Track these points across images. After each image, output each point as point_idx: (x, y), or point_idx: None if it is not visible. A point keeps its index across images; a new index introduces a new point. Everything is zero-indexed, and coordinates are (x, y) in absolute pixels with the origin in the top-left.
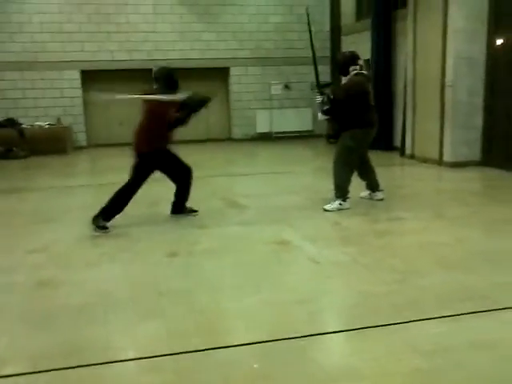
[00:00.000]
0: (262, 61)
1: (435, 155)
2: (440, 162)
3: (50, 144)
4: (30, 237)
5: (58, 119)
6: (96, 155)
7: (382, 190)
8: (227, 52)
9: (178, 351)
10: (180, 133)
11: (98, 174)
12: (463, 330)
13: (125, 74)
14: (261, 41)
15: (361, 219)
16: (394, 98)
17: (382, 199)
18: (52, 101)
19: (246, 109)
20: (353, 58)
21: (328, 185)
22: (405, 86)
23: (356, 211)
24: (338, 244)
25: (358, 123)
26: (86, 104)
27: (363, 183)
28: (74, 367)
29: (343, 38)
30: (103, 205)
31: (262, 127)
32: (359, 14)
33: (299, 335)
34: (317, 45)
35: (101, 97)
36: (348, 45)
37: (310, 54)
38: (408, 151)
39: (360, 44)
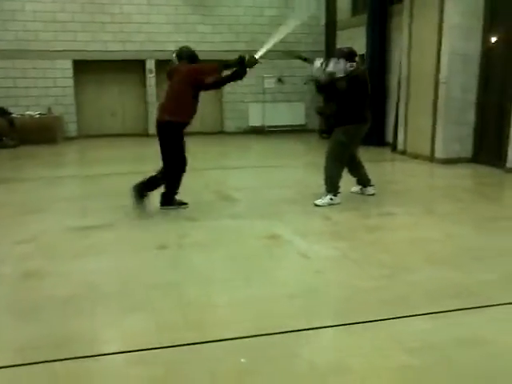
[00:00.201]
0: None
1: (427, 151)
2: (431, 158)
3: (40, 134)
4: (18, 227)
5: (49, 109)
6: (86, 146)
7: (372, 185)
8: (222, 44)
9: (166, 345)
10: None
11: (88, 164)
12: (451, 326)
13: (118, 65)
14: (256, 34)
15: (351, 214)
16: (388, 94)
17: (373, 194)
18: (43, 90)
19: (238, 102)
20: (350, 54)
21: (319, 180)
22: (398, 82)
23: (347, 206)
24: (328, 239)
25: (352, 119)
26: (77, 94)
27: (354, 178)
28: (61, 360)
29: (338, 32)
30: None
31: (255, 121)
32: (355, 9)
33: (287, 330)
34: (311, 39)
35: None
36: (343, 40)
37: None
38: (400, 147)
39: (355, 39)
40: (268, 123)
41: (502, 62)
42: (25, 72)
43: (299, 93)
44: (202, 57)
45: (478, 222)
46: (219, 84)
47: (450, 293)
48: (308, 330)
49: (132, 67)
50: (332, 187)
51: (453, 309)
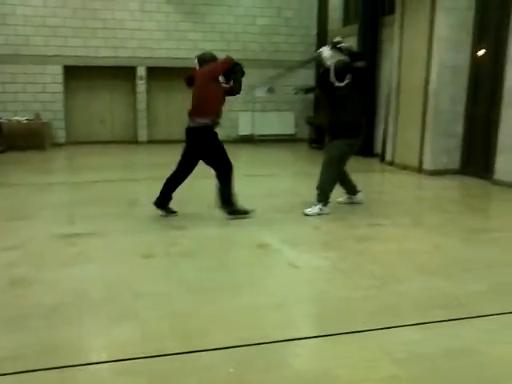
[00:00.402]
0: (247, 62)
1: (415, 163)
2: (420, 169)
3: (28, 140)
4: (5, 234)
5: (37, 114)
6: (75, 152)
7: (360, 191)
8: (213, 52)
9: (153, 354)
10: (161, 133)
11: (76, 171)
12: (440, 337)
13: (109, 71)
14: (247, 42)
15: (340, 224)
16: (377, 104)
17: (361, 200)
18: (32, 95)
19: (228, 110)
20: (351, 66)
21: (308, 189)
22: (388, 93)
23: (335, 216)
24: (317, 248)
25: (354, 131)
26: (67, 100)
27: (343, 189)
28: (45, 369)
29: None
30: (220, 197)
31: (244, 129)
32: (346, 20)
33: (276, 340)
34: (303, 48)
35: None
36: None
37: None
38: (388, 158)
39: None
40: (258, 132)
41: (491, 74)
42: (14, 77)
43: (289, 102)
44: (193, 64)
45: (465, 233)
46: (238, 87)
47: (438, 303)
48: (296, 339)
49: (123, 74)
50: (324, 197)
51: (442, 319)
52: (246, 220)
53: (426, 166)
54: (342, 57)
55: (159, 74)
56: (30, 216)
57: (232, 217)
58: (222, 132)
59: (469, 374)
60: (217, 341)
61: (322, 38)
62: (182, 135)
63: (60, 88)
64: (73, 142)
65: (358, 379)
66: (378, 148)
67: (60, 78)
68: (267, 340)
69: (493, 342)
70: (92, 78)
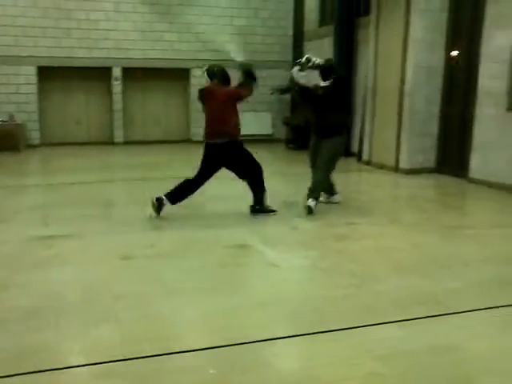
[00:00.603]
0: (224, 63)
1: (391, 162)
2: (396, 168)
3: (2, 141)
4: None
5: (11, 116)
6: (50, 154)
7: (338, 193)
8: (189, 53)
9: (132, 357)
10: (137, 134)
11: (52, 173)
12: (419, 333)
13: (83, 72)
14: (224, 43)
15: (318, 224)
16: (353, 105)
17: (339, 201)
18: (6, 96)
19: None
20: (327, 70)
21: (285, 188)
22: (364, 93)
23: (314, 216)
24: (297, 248)
25: (345, 128)
26: (41, 101)
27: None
28: (22, 374)
29: (306, 43)
30: (253, 201)
31: None
32: (322, 21)
33: (256, 339)
34: (279, 49)
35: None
36: (310, 50)
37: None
38: (365, 157)
39: (322, 50)
40: None
41: (464, 74)
42: None
43: (266, 103)
44: (167, 65)
45: (442, 231)
46: (250, 94)
47: (417, 301)
48: (277, 339)
49: (98, 74)
50: (318, 194)
51: (421, 316)
52: (225, 221)
53: (403, 165)
54: (314, 73)
55: (135, 74)
56: (5, 219)
57: (260, 214)
58: (199, 132)
59: (449, 370)
60: (197, 342)
61: (298, 39)
62: (158, 135)
63: (34, 89)
64: (48, 143)
65: (340, 378)
66: (355, 148)
67: (34, 79)
68: (248, 340)
69: (472, 337)
70: (67, 78)
